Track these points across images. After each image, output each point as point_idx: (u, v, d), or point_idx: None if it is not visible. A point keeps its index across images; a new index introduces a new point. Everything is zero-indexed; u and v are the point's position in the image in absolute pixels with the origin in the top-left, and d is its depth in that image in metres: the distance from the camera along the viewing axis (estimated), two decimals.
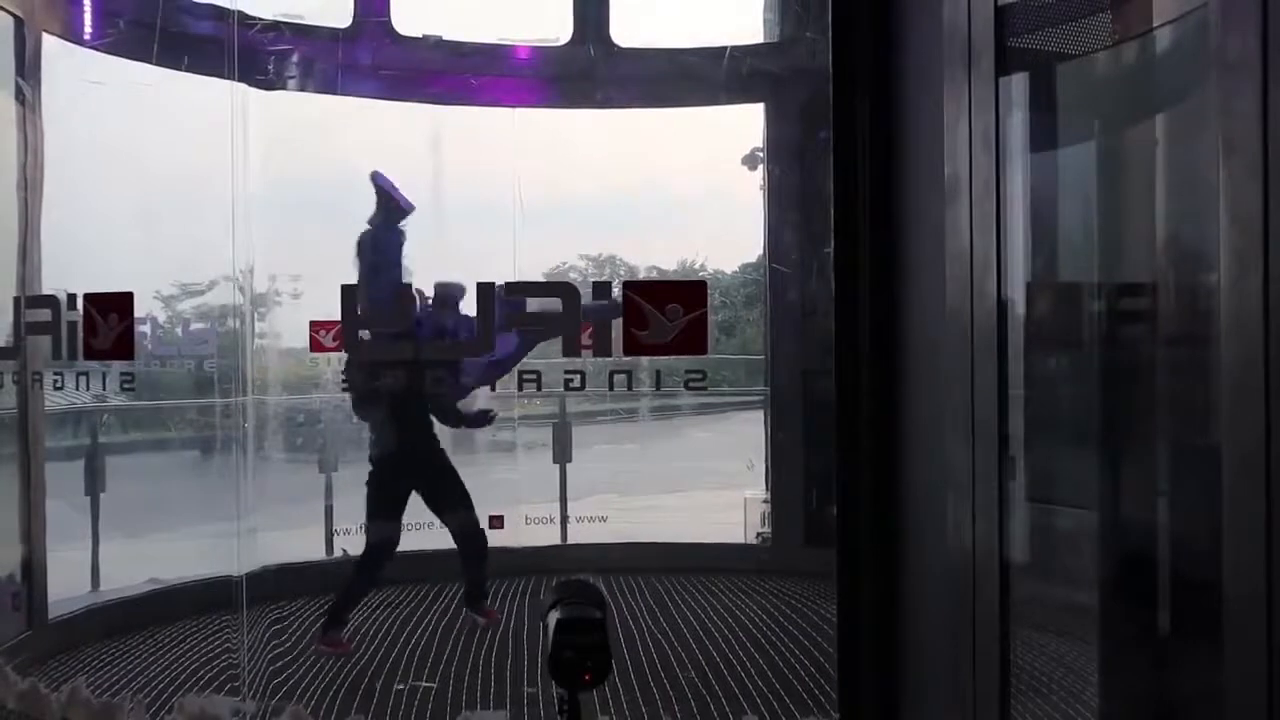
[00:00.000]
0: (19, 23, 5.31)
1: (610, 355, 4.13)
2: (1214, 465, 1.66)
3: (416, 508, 5.66)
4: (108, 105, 5.72)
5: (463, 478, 5.76)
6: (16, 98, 5.29)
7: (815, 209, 6.30)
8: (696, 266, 7.61)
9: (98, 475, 6.48)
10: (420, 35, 6.70)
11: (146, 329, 5.24)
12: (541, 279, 5.73)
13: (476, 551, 5.81)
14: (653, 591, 6.32)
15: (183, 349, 5.89)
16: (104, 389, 5.48)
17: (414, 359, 5.04)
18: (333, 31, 6.50)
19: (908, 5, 2.57)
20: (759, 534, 7.33)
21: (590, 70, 6.85)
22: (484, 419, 5.96)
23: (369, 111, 6.62)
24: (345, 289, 4.52)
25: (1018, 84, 2.35)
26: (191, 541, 6.68)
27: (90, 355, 4.59)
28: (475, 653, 5.34)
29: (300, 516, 6.96)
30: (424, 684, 4.95)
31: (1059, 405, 2.62)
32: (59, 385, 5.07)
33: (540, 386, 4.80)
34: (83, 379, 5.08)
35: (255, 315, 6.15)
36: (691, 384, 4.26)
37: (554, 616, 1.87)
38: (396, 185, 5.56)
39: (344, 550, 6.66)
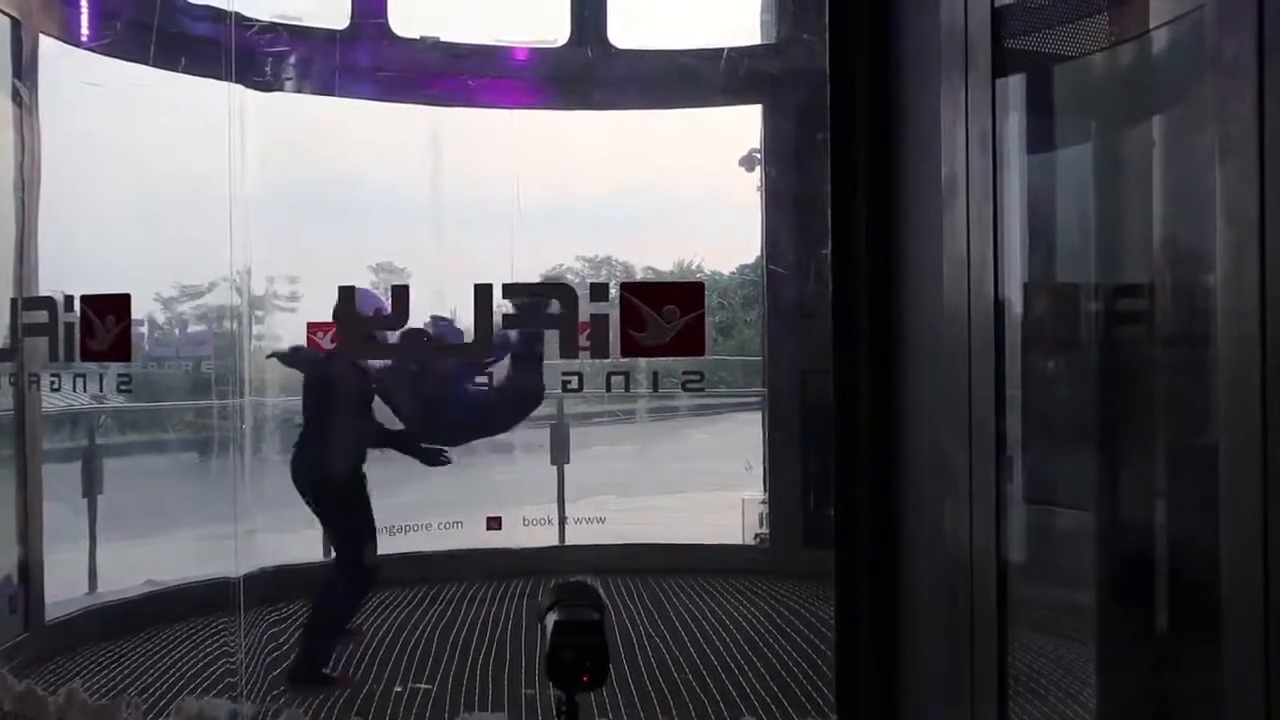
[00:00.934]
0: (16, 24, 5.31)
1: (608, 357, 4.13)
2: (1211, 465, 1.66)
3: (411, 510, 5.66)
4: (105, 106, 5.72)
5: (461, 478, 5.75)
6: (13, 99, 5.29)
7: (813, 210, 6.29)
8: (694, 268, 7.61)
9: (95, 477, 6.48)
10: (418, 37, 6.70)
11: (144, 330, 5.24)
12: (539, 280, 5.73)
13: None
14: (651, 593, 6.32)
15: (181, 350, 5.89)
16: (101, 390, 5.48)
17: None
18: (330, 33, 6.50)
19: (905, 6, 2.58)
20: (757, 535, 7.33)
21: (588, 72, 6.84)
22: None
23: (367, 113, 6.61)
24: (342, 290, 4.53)
25: (1015, 85, 2.35)
26: (189, 543, 6.67)
27: (88, 357, 4.59)
28: (474, 655, 5.33)
29: (298, 518, 6.95)
30: (423, 686, 4.95)
31: (1056, 406, 2.62)
32: (56, 387, 5.07)
33: None
34: (80, 380, 5.07)
35: (253, 317, 6.15)
36: (689, 385, 4.26)
37: (552, 618, 1.88)
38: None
39: None
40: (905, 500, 2.58)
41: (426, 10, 6.82)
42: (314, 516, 5.56)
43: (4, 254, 5.19)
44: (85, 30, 5.73)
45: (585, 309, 4.07)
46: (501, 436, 6.99)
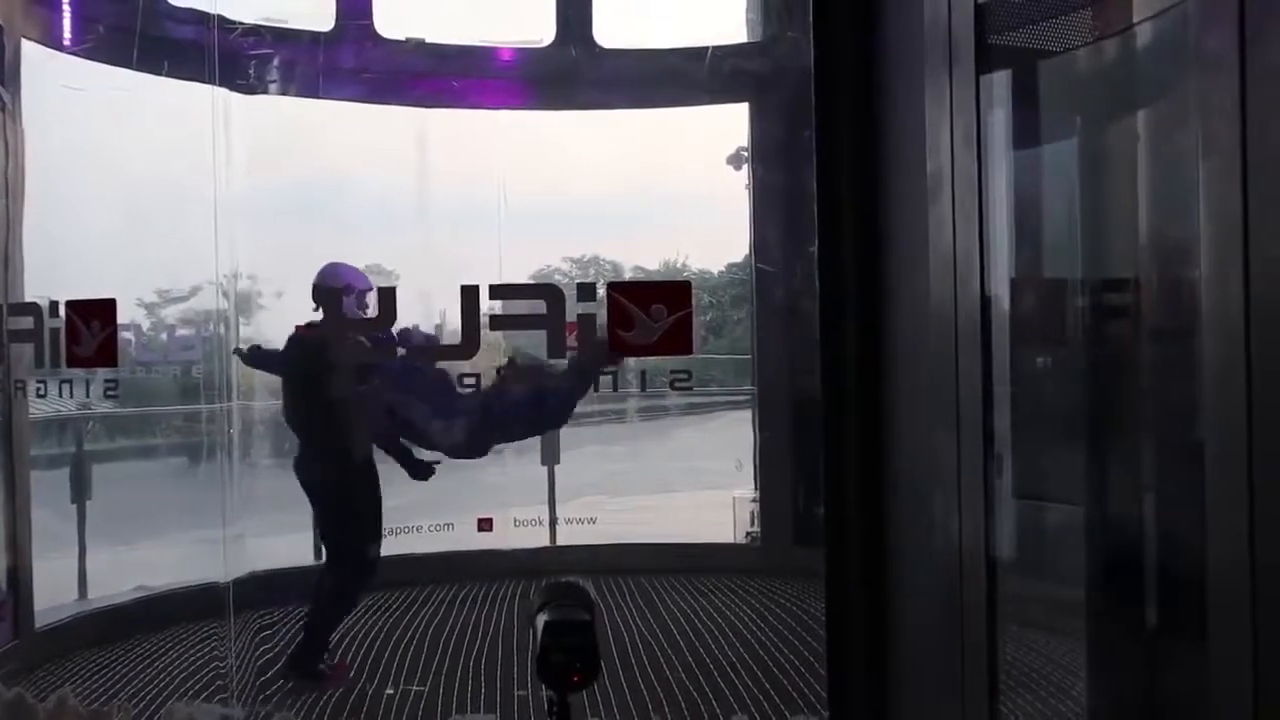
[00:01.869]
0: None
1: None
2: (1198, 460, 1.66)
3: (401, 512, 5.66)
4: (88, 111, 5.70)
5: (452, 480, 5.74)
6: None
7: (800, 208, 6.30)
8: (682, 267, 7.62)
9: (83, 483, 6.46)
10: (403, 38, 6.69)
11: (130, 335, 5.22)
12: (527, 281, 5.72)
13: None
14: (642, 592, 6.32)
15: (168, 355, 5.88)
16: (88, 396, 5.46)
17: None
18: (314, 35, 6.48)
19: (888, 4, 2.58)
20: (748, 533, 7.34)
21: (573, 71, 6.84)
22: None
23: (352, 115, 6.60)
24: (330, 292, 4.52)
25: (999, 81, 2.35)
26: (178, 548, 6.65)
27: (74, 363, 4.57)
28: (465, 656, 5.33)
29: (288, 522, 6.94)
30: (414, 688, 4.94)
31: (1044, 401, 2.63)
32: (42, 393, 5.05)
33: None
34: (67, 386, 5.05)
35: (240, 320, 6.13)
36: (677, 384, 4.26)
37: (542, 618, 1.87)
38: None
39: None
40: (895, 496, 2.58)
41: (411, 11, 6.81)
42: (313, 512, 5.52)
43: None
44: (68, 34, 5.71)
45: (573, 309, 4.06)
46: None
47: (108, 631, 5.66)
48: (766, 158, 7.12)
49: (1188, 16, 1.77)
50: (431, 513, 6.67)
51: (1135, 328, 2.31)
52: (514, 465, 7.12)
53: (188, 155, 5.57)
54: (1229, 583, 1.59)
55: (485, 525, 6.14)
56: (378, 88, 6.63)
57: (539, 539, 6.84)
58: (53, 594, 5.76)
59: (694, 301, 4.02)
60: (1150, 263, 2.23)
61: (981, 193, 2.20)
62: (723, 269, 8.13)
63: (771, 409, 7.08)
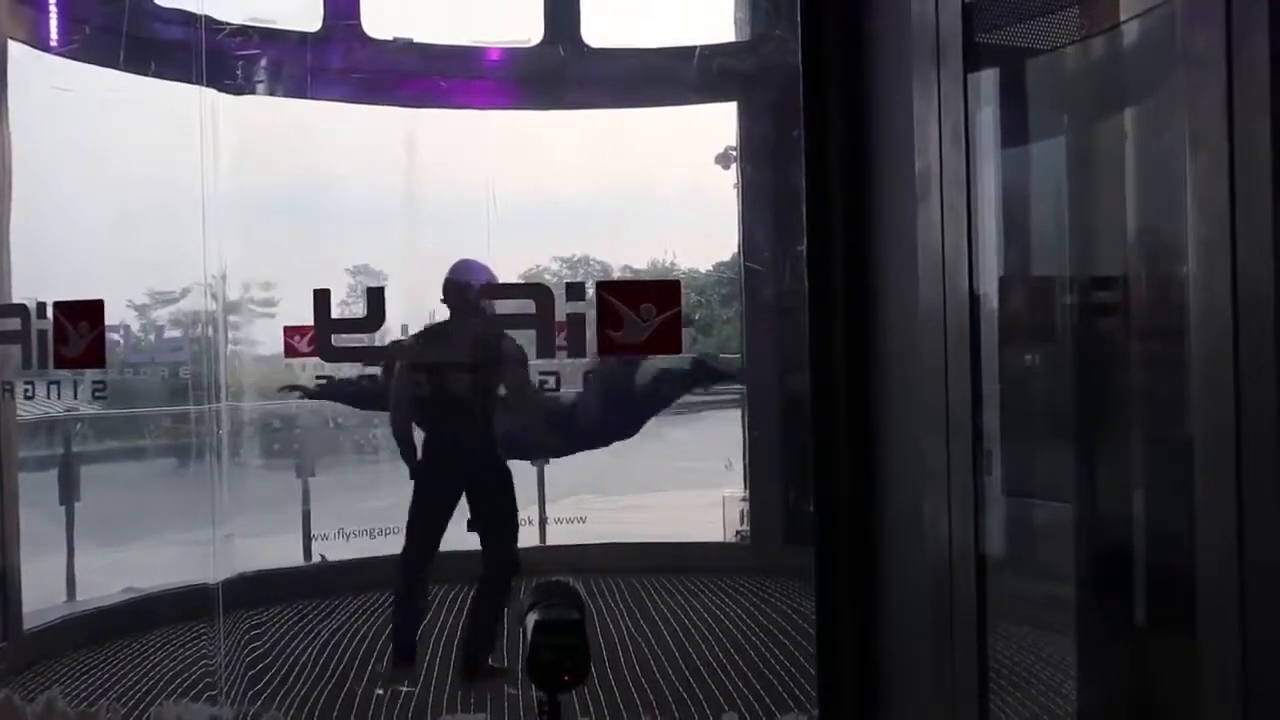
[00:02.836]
0: None
1: (585, 356, 4.13)
2: (1187, 457, 1.67)
3: (390, 512, 5.64)
4: (75, 112, 5.68)
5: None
6: None
7: (789, 207, 6.30)
8: (671, 266, 7.62)
9: (72, 484, 6.44)
10: (390, 38, 6.68)
11: (119, 337, 5.20)
12: (516, 281, 5.72)
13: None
14: (632, 592, 6.32)
15: (156, 356, 5.86)
16: (76, 398, 5.44)
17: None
18: (302, 35, 6.47)
19: (876, 2, 2.58)
20: (738, 532, 7.34)
21: (562, 71, 6.84)
22: None
23: (340, 115, 6.59)
24: (317, 293, 4.50)
25: (987, 79, 2.36)
26: (167, 549, 6.64)
27: (61, 364, 4.56)
28: (455, 656, 5.32)
29: (277, 522, 6.93)
30: (404, 689, 4.93)
31: (1034, 398, 2.63)
32: (29, 395, 5.03)
33: None
34: (54, 388, 5.04)
35: (228, 321, 6.12)
36: None
37: (532, 618, 1.87)
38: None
39: (322, 556, 6.64)
40: (884, 495, 2.58)
41: (399, 12, 6.80)
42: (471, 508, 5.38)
43: None
44: (54, 35, 5.69)
45: (562, 308, 4.06)
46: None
47: (97, 633, 5.65)
48: (755, 157, 7.12)
49: (1175, 14, 1.77)
50: None
51: (1124, 325, 2.31)
52: None
53: (175, 156, 5.56)
54: (1218, 579, 1.59)
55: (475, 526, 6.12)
56: (366, 88, 6.62)
57: (528, 539, 6.83)
58: (41, 596, 5.74)
59: (682, 301, 4.02)
60: (1138, 260, 2.23)
61: (970, 191, 2.20)
62: (711, 268, 8.14)
63: (761, 408, 7.08)
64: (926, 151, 2.29)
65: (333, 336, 4.54)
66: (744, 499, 7.31)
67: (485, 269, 5.15)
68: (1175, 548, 1.82)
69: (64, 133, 5.64)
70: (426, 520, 5.28)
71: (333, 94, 6.54)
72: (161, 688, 4.96)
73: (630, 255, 7.47)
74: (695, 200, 7.41)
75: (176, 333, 6.09)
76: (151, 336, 5.93)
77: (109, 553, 6.76)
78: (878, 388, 2.59)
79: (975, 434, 2.22)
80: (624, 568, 6.64)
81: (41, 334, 4.50)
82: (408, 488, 5.54)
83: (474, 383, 5.10)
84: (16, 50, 5.45)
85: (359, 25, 6.57)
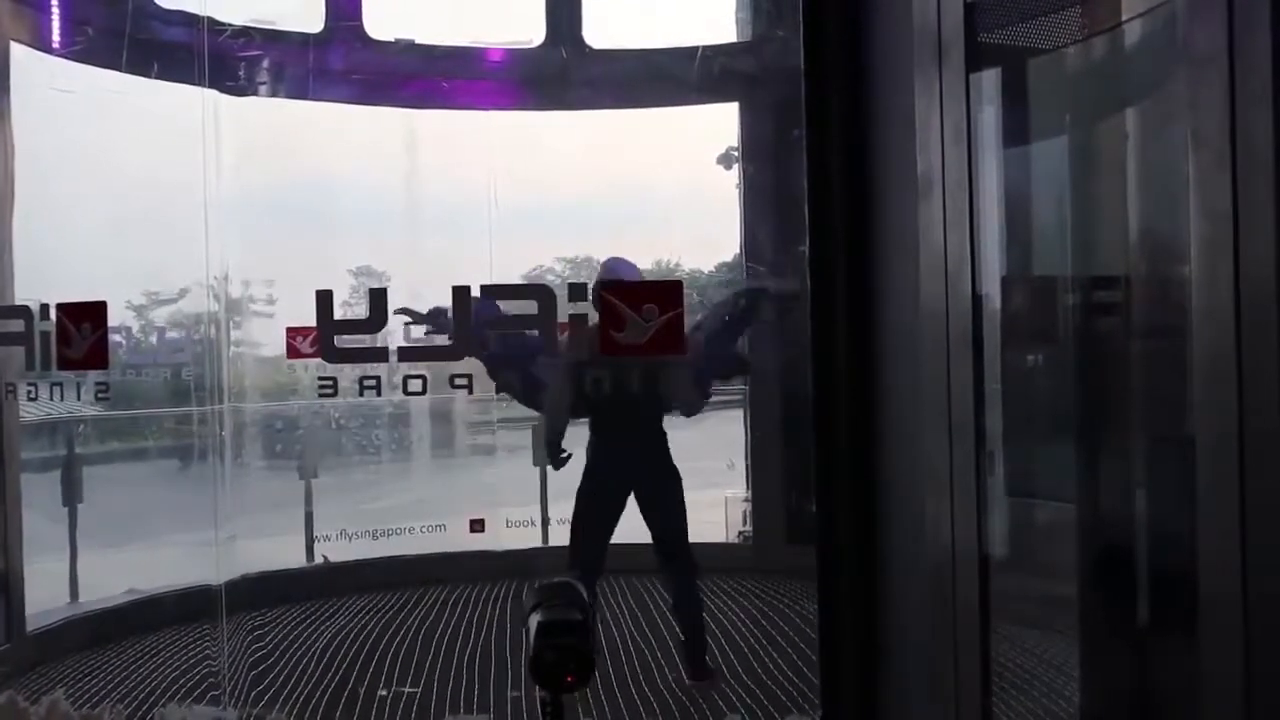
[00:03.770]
0: None
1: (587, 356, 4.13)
2: (1189, 457, 1.67)
3: (394, 513, 5.65)
4: (78, 113, 5.69)
5: (444, 481, 5.72)
6: None
7: (790, 207, 6.30)
8: (673, 266, 7.62)
9: (75, 486, 6.45)
10: (392, 39, 6.68)
11: (121, 338, 5.21)
12: (518, 281, 5.72)
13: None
14: (635, 592, 6.32)
15: (158, 357, 5.86)
16: (79, 399, 5.45)
17: None
18: (304, 36, 6.48)
19: (878, 2, 2.58)
20: (740, 533, 7.34)
21: (563, 72, 6.84)
22: None
23: (342, 116, 6.59)
24: (320, 294, 4.50)
25: (989, 79, 2.35)
26: (170, 550, 6.65)
27: (64, 365, 4.56)
28: (458, 657, 5.33)
29: (280, 524, 6.94)
30: (407, 689, 4.93)
31: (1036, 398, 2.63)
32: (33, 396, 5.03)
33: None
34: (57, 389, 5.04)
35: (230, 322, 6.12)
36: None
37: (535, 619, 1.87)
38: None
39: (324, 557, 6.65)
40: (886, 496, 2.58)
41: (401, 12, 6.81)
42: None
43: None
44: (57, 37, 5.70)
45: (564, 309, 4.06)
46: (483, 439, 6.98)
47: (100, 634, 5.65)
48: (757, 157, 7.12)
49: (1176, 13, 1.77)
50: (424, 514, 6.68)
51: (1126, 325, 2.31)
52: (506, 466, 7.12)
53: (177, 157, 5.56)
54: (1220, 578, 1.59)
55: (477, 526, 6.13)
56: (367, 89, 6.62)
57: (531, 539, 6.84)
58: (44, 597, 5.75)
59: (685, 301, 4.01)
60: (1140, 259, 2.23)
61: (972, 191, 2.20)
62: (713, 268, 8.14)
63: (763, 408, 7.09)
64: (928, 151, 2.29)
65: (335, 337, 4.54)
66: (746, 499, 7.32)
67: (633, 266, 5.11)
68: (1178, 548, 1.82)
69: (66, 134, 5.65)
70: (596, 525, 5.17)
71: (335, 95, 6.55)
72: (165, 689, 4.96)
73: (632, 256, 7.45)
74: (697, 201, 7.42)
75: (178, 334, 6.09)
76: (153, 338, 5.93)
77: (112, 554, 6.77)
78: (880, 388, 2.59)
79: (977, 434, 2.22)
80: (627, 568, 6.64)
81: (44, 335, 4.51)
82: (408, 489, 5.55)
83: (643, 381, 4.95)
84: (19, 52, 5.46)
85: (361, 26, 6.57)
